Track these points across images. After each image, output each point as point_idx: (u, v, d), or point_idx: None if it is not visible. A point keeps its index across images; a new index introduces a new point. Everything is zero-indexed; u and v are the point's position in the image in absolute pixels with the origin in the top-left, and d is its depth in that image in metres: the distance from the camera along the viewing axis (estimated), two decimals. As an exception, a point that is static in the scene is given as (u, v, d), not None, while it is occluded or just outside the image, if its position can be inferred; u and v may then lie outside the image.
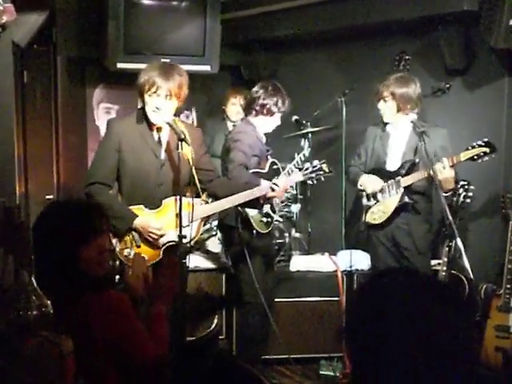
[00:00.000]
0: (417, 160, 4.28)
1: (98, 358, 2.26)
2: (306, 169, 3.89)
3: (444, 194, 4.09)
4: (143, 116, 3.58)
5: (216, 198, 3.77)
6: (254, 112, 4.34)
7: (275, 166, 4.38)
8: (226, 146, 4.32)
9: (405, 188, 4.29)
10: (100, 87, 5.49)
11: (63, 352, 1.86)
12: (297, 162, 4.43)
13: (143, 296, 2.64)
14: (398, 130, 4.40)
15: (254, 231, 4.19)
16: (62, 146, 5.06)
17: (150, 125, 3.58)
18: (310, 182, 3.96)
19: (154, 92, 3.45)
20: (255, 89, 4.37)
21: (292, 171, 4.27)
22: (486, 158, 4.04)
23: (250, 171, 4.17)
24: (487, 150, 4.03)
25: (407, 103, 4.27)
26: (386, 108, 4.34)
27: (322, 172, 3.88)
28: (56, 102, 5.03)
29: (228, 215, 4.22)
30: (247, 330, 4.47)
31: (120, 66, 4.83)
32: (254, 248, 4.26)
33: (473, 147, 4.04)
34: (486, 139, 4.05)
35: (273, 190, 3.78)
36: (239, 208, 4.03)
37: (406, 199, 4.30)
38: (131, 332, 2.34)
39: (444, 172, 4.01)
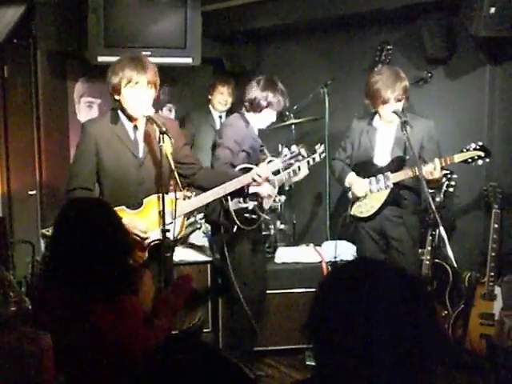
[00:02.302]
0: (407, 157, 4.22)
1: (103, 357, 2.24)
2: (285, 155, 3.83)
3: (430, 191, 4.08)
4: (118, 116, 3.56)
5: (202, 190, 3.74)
6: (244, 108, 4.30)
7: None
8: (213, 140, 4.29)
9: (394, 184, 4.25)
10: (81, 81, 5.44)
11: (42, 348, 1.84)
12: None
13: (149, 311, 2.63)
14: (386, 124, 4.33)
15: (235, 226, 4.12)
16: (43, 142, 5.00)
17: (131, 120, 3.55)
18: (290, 169, 3.89)
19: (136, 84, 3.42)
20: (251, 83, 4.30)
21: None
22: (480, 162, 4.00)
23: (240, 166, 4.12)
24: (482, 153, 3.98)
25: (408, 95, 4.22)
26: (398, 107, 4.15)
27: (301, 157, 3.81)
28: (37, 96, 4.97)
29: (214, 211, 4.19)
30: (234, 323, 4.46)
31: (101, 59, 4.78)
32: (241, 241, 4.23)
33: (467, 150, 3.98)
34: (480, 143, 3.99)
35: (254, 180, 3.75)
36: (223, 200, 4.00)
37: (395, 195, 4.26)
38: (143, 338, 2.34)
39: (434, 173, 3.95)
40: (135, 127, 3.57)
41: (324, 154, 4.37)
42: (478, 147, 3.98)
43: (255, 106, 4.24)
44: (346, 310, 1.28)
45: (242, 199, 4.04)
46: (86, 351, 2.15)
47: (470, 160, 3.99)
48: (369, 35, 5.35)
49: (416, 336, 1.25)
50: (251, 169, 4.14)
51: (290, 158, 3.80)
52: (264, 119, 4.31)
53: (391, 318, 1.25)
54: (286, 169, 3.96)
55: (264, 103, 4.22)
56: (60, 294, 2.15)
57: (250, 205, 4.08)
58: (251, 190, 3.90)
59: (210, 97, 5.72)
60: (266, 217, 4.46)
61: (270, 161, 4.01)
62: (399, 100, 4.13)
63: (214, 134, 4.59)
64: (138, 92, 3.43)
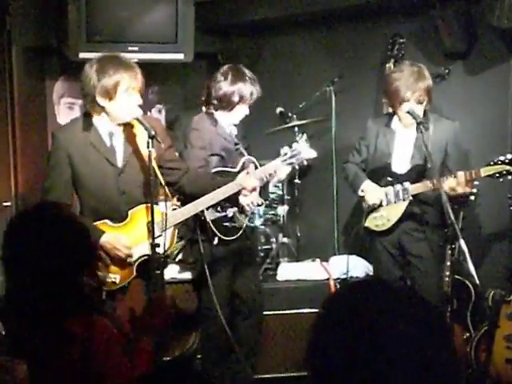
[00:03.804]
0: (428, 165, 4.20)
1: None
2: (285, 154, 3.79)
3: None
4: (90, 122, 3.56)
5: (186, 197, 3.75)
6: (211, 106, 4.23)
7: (252, 165, 4.28)
8: (179, 149, 4.26)
9: (413, 196, 4.22)
10: (61, 80, 5.44)
11: (16, 377, 1.83)
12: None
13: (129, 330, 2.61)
14: (405, 126, 4.28)
15: (216, 238, 4.09)
16: (19, 147, 4.99)
17: (107, 125, 3.55)
18: (291, 167, 3.85)
19: (133, 89, 3.45)
20: (214, 77, 4.23)
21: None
22: (510, 178, 3.98)
23: (214, 170, 4.11)
24: (511, 168, 3.94)
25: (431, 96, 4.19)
26: (420, 109, 4.14)
27: (303, 154, 3.79)
28: (12, 97, 4.96)
29: (188, 227, 4.17)
30: (210, 349, 4.41)
31: (82, 55, 4.78)
32: (217, 259, 4.17)
33: (495, 163, 3.95)
34: (510, 156, 3.94)
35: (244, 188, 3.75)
36: (198, 212, 3.95)
37: (414, 209, 4.24)
38: (115, 364, 2.32)
39: (458, 189, 3.92)
40: (111, 133, 3.57)
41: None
42: (506, 161, 3.95)
43: (226, 104, 4.16)
44: (346, 343, 1.25)
45: (219, 207, 4.02)
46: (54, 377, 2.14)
47: (497, 175, 3.96)
48: (379, 27, 5.36)
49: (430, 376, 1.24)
50: (227, 172, 4.09)
51: (291, 157, 3.76)
52: (235, 115, 4.25)
53: (400, 356, 1.23)
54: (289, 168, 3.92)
55: (236, 98, 4.14)
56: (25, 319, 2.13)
57: (229, 212, 4.06)
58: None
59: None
60: (249, 223, 4.42)
61: (253, 165, 4.01)
62: (420, 102, 4.11)
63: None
64: (135, 98, 3.47)
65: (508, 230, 4.80)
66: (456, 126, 4.27)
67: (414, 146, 4.26)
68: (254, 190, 3.83)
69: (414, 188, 4.19)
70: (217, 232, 4.08)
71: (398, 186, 4.25)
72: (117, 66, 3.45)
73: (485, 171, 3.96)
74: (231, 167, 4.20)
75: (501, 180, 3.98)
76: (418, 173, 4.23)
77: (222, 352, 4.37)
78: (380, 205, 4.35)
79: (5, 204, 4.88)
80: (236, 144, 4.32)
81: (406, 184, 4.22)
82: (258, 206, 4.76)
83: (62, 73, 5.42)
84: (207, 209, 3.95)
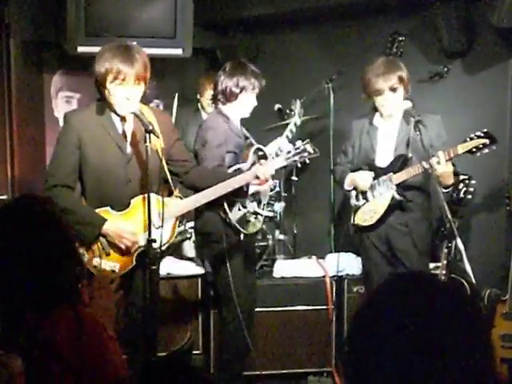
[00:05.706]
0: (409, 155, 4.23)
1: (60, 378, 2.20)
2: (288, 152, 3.82)
3: (444, 190, 4.07)
4: (104, 107, 3.54)
5: (195, 190, 3.74)
6: (218, 101, 4.29)
7: (261, 153, 4.31)
8: (195, 148, 4.28)
9: (397, 185, 4.24)
10: (59, 73, 5.43)
11: (12, 373, 1.83)
12: (287, 135, 4.37)
13: None
14: (387, 121, 4.33)
15: (242, 235, 4.12)
16: (16, 140, 4.99)
17: (117, 115, 3.55)
18: (294, 163, 3.88)
19: (122, 80, 3.40)
20: (218, 73, 4.32)
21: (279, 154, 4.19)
22: (486, 151, 3.99)
23: (230, 170, 4.14)
24: (486, 141, 3.97)
25: (408, 87, 4.22)
26: (395, 98, 4.17)
27: (306, 153, 3.79)
28: (9, 90, 4.96)
29: (206, 223, 4.20)
30: (230, 343, 4.41)
31: (81, 49, 4.77)
32: (234, 250, 4.21)
33: (471, 139, 3.98)
34: (485, 130, 3.99)
35: (257, 177, 3.75)
36: (221, 213, 4.01)
37: (399, 197, 4.25)
38: (104, 356, 2.28)
39: (439, 167, 3.95)
40: (123, 119, 3.56)
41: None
42: (482, 134, 3.98)
43: (229, 96, 4.24)
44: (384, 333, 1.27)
45: (240, 205, 4.04)
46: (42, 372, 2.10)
47: (474, 150, 3.98)
48: (379, 25, 5.36)
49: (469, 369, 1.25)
50: (241, 170, 4.16)
51: (294, 155, 3.79)
52: (243, 106, 4.30)
53: (443, 342, 1.24)
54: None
55: (237, 90, 4.22)
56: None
57: (251, 207, 4.09)
58: (251, 189, 3.91)
59: (199, 97, 5.66)
60: (268, 213, 4.45)
61: (262, 155, 4.04)
62: (391, 89, 4.13)
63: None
64: (124, 90, 3.41)
65: (504, 229, 4.80)
66: (438, 120, 4.30)
67: (397, 139, 4.30)
68: (267, 180, 3.85)
69: (398, 176, 4.22)
70: (242, 230, 4.11)
71: (382, 178, 4.27)
72: (109, 54, 3.42)
73: (462, 148, 3.98)
74: (242, 162, 4.23)
75: (478, 154, 3.98)
76: (400, 163, 4.26)
77: (241, 348, 4.39)
78: (367, 200, 4.36)
79: (1, 197, 4.87)
80: (246, 138, 4.38)
81: (389, 174, 4.25)
82: (271, 190, 4.79)
83: (60, 66, 5.41)
84: (230, 210, 4.00)
